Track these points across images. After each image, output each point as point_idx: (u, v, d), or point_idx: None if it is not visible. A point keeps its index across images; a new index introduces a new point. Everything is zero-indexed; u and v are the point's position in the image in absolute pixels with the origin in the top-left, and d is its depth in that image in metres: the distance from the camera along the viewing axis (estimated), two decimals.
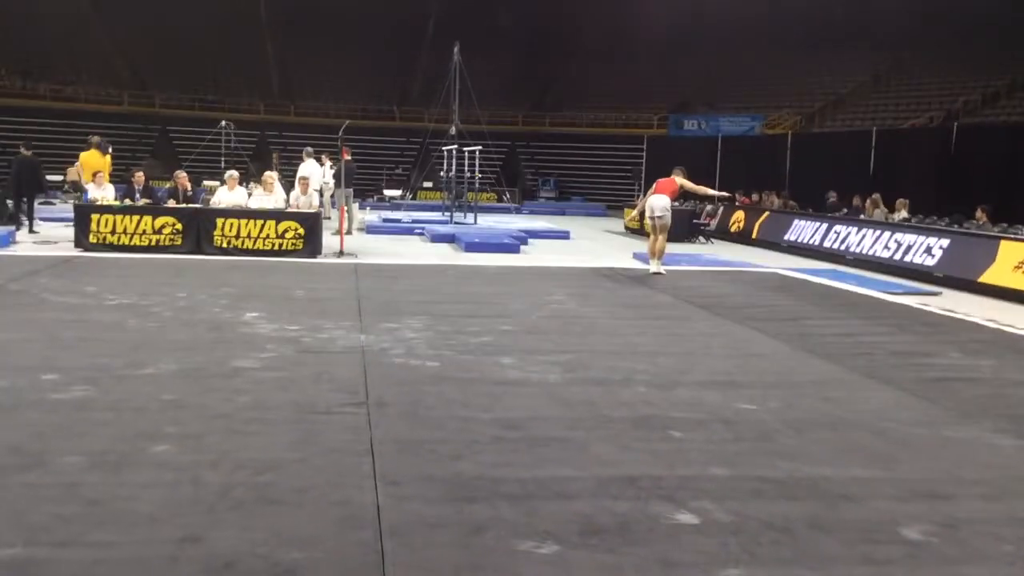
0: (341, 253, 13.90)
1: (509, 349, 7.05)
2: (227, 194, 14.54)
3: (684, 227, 19.23)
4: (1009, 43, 29.36)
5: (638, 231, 20.22)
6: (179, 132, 33.43)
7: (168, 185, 15.77)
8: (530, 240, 18.03)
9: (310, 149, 19.05)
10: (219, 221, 13.53)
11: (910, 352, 7.56)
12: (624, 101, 37.77)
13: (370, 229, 19.65)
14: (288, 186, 16.02)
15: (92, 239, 13.29)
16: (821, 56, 35.88)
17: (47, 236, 15.18)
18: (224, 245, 13.44)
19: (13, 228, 14.98)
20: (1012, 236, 12.77)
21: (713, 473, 4.31)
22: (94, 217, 13.37)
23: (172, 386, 5.58)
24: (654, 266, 12.70)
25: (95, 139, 17.16)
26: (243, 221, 13.54)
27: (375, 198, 30.64)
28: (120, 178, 18.81)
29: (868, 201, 17.60)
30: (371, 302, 9.22)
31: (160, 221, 13.43)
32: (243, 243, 13.48)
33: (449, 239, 17.54)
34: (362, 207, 24.15)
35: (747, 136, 31.86)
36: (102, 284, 9.90)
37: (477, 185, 23.53)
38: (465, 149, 22.17)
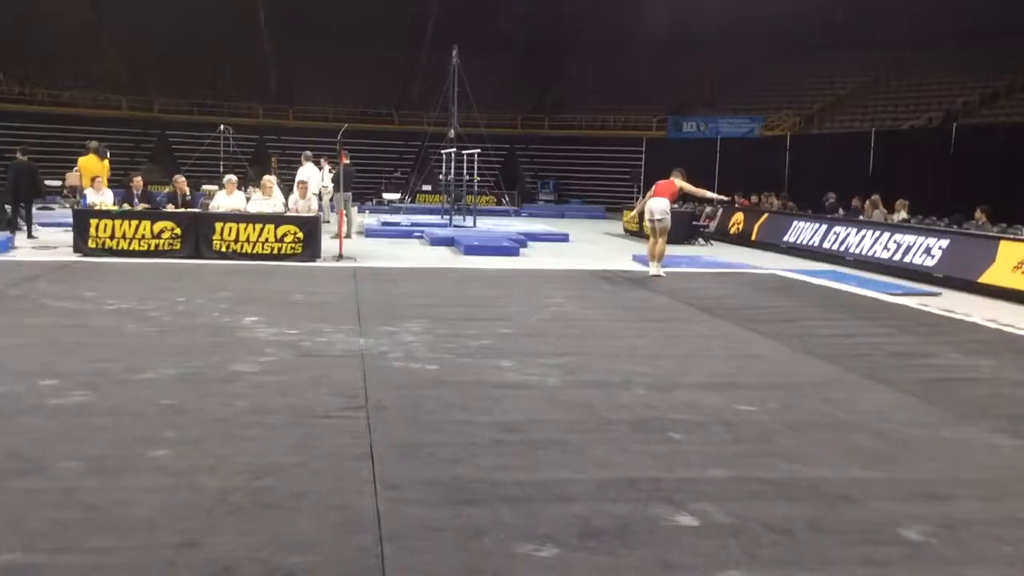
0: (340, 257, 13.90)
1: (508, 352, 7.04)
2: (226, 198, 14.54)
3: (683, 229, 19.23)
4: (1008, 44, 29.39)
5: (637, 233, 20.22)
6: (178, 136, 33.46)
7: (167, 189, 15.80)
8: (529, 243, 18.01)
9: (309, 153, 19.05)
10: (218, 225, 13.53)
11: (909, 353, 7.57)
12: (623, 103, 37.79)
13: (369, 233, 19.65)
14: (287, 190, 16.02)
15: (91, 244, 13.29)
16: (820, 57, 35.92)
17: (46, 241, 15.17)
18: (223, 249, 13.44)
19: (10, 234, 14.97)
20: (1011, 236, 12.78)
21: (713, 475, 4.31)
22: (93, 222, 13.36)
23: (171, 390, 5.58)
24: (653, 269, 12.69)
25: (93, 144, 17.19)
26: (242, 225, 13.55)
27: (374, 202, 30.64)
28: (119, 183, 18.77)
29: (867, 202, 17.60)
30: (370, 306, 9.22)
31: (159, 225, 13.43)
32: (242, 247, 13.47)
33: (448, 242, 17.54)
34: (361, 211, 24.18)
35: (746, 138, 31.86)
36: (101, 289, 9.90)
37: (476, 188, 23.53)
38: (464, 152, 22.18)
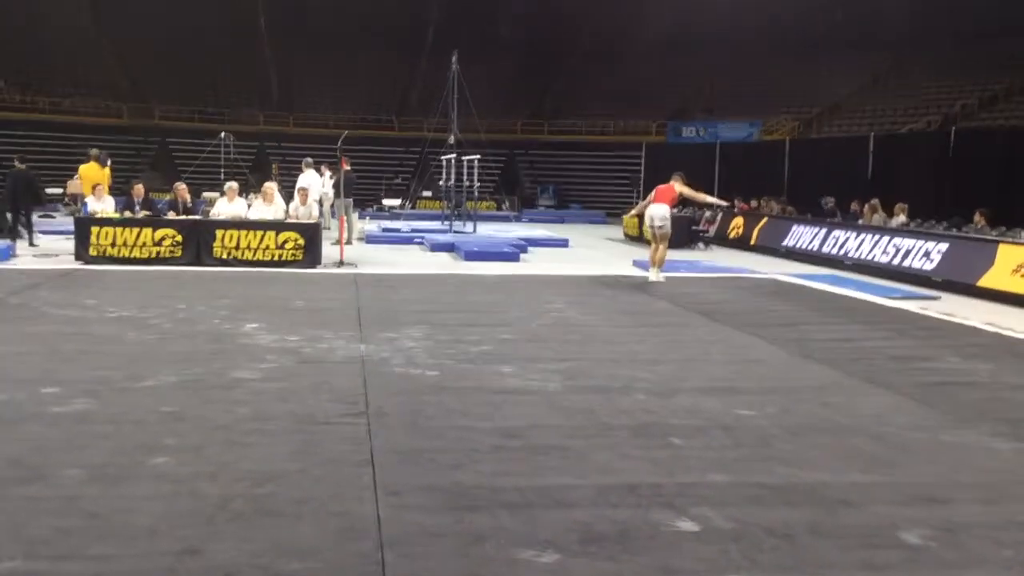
0: (341, 263, 13.92)
1: (509, 358, 7.06)
2: (227, 205, 14.56)
3: (683, 234, 19.22)
4: (1006, 47, 29.42)
5: (637, 238, 20.24)
6: (179, 144, 33.46)
7: (168, 197, 15.79)
8: (529, 248, 18.03)
9: (309, 159, 19.08)
10: (219, 232, 13.55)
11: (908, 357, 7.58)
12: (623, 108, 37.84)
13: (370, 239, 19.66)
14: (288, 197, 16.04)
15: (92, 251, 13.31)
16: (819, 61, 35.93)
17: (47, 249, 15.19)
18: (224, 256, 13.46)
19: (12, 242, 14.99)
20: (1010, 240, 12.79)
21: (713, 480, 4.32)
22: (94, 230, 13.39)
23: (172, 398, 5.59)
24: (653, 274, 12.71)
25: (94, 152, 17.20)
26: (243, 232, 13.57)
27: (374, 208, 30.66)
28: (120, 190, 18.82)
29: (866, 206, 17.62)
30: (371, 312, 9.23)
31: (160, 233, 13.45)
32: (243, 254, 13.50)
33: (448, 248, 17.55)
34: (361, 217, 24.19)
35: (745, 142, 31.89)
36: (102, 296, 9.92)
37: (476, 194, 23.55)
38: (464, 158, 22.20)
